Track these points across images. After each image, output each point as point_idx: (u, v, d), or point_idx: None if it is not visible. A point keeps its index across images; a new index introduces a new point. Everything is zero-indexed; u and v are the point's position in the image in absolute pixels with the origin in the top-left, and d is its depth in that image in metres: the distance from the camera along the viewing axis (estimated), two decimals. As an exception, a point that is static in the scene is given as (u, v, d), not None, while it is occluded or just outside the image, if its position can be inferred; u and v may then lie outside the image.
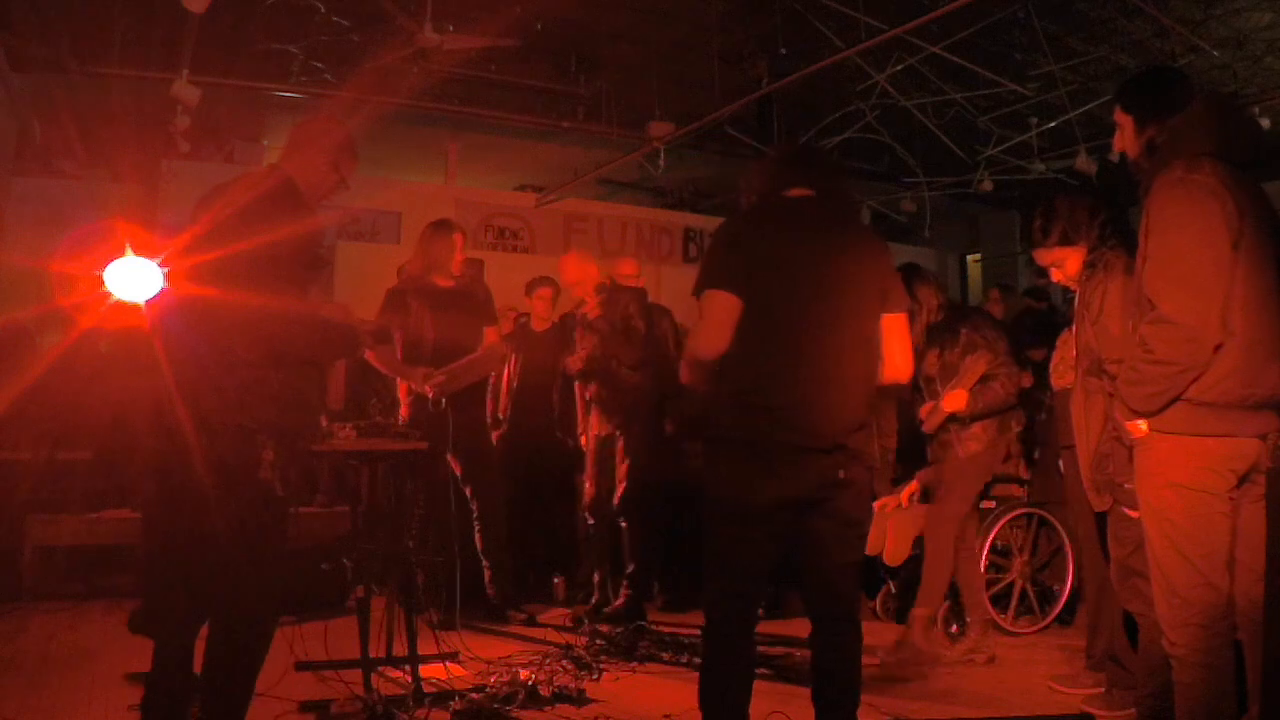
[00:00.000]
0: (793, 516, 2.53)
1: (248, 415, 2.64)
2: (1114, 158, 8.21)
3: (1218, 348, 2.32)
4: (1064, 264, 3.29)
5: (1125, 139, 2.68)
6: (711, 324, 2.51)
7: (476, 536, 4.78)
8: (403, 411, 4.69)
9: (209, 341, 2.67)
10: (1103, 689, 3.56)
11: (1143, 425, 2.46)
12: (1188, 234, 2.33)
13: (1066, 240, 3.24)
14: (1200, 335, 2.30)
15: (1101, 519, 3.30)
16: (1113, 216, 3.22)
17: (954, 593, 4.61)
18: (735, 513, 2.52)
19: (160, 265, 2.77)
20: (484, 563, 4.79)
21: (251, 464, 2.63)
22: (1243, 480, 2.38)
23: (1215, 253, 2.31)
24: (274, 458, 2.65)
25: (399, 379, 4.79)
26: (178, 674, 2.77)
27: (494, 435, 5.36)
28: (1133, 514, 2.97)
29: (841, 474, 2.50)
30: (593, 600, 5.01)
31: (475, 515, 4.78)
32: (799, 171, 2.69)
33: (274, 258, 2.62)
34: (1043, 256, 3.33)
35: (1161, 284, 2.35)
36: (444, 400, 4.46)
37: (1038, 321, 5.62)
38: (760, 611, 3.16)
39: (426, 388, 4.46)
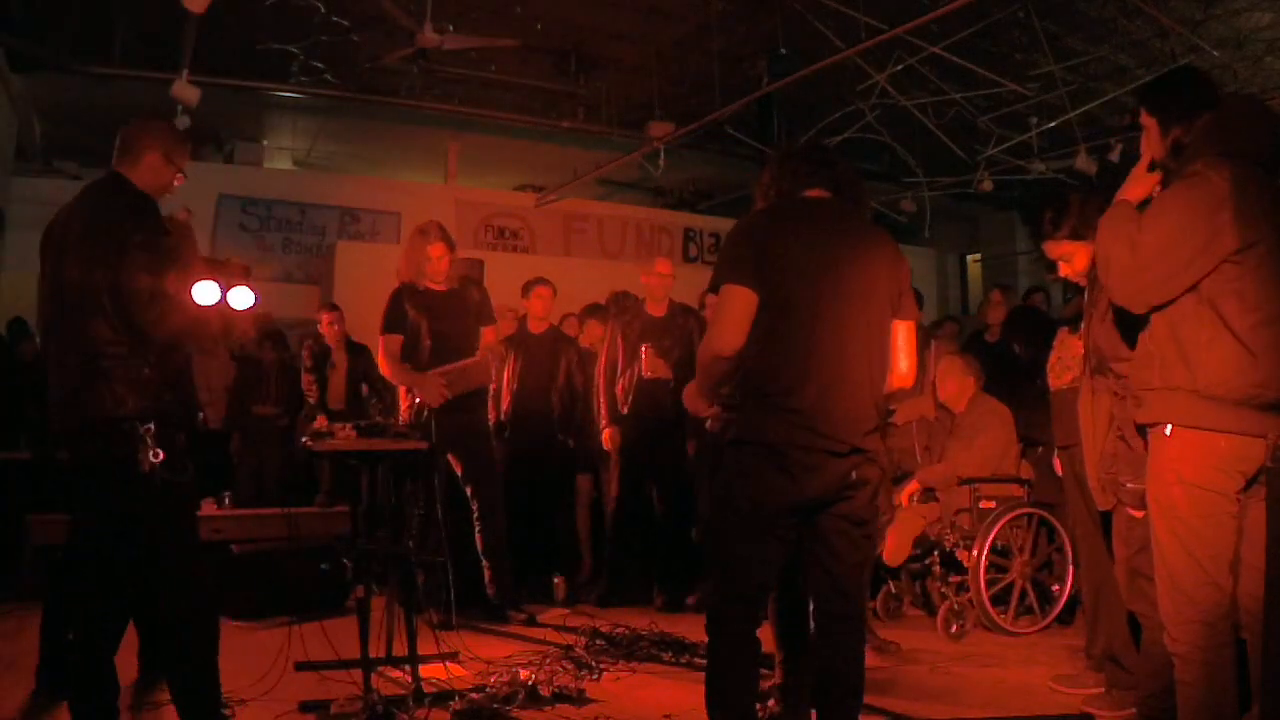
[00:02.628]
0: (804, 519, 2.54)
1: (119, 406, 2.68)
2: (1114, 157, 8.24)
3: (1156, 309, 2.42)
4: (1072, 259, 3.29)
5: (1151, 142, 2.68)
6: (729, 319, 2.51)
7: (476, 536, 4.78)
8: (402, 414, 4.70)
9: (75, 339, 2.73)
10: (1103, 689, 3.56)
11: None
12: (1173, 219, 2.38)
13: (1076, 235, 3.24)
14: (1140, 287, 2.41)
15: (1104, 519, 3.30)
16: None
17: (960, 589, 4.62)
18: (751, 516, 2.51)
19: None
20: (484, 563, 4.79)
21: (130, 457, 2.66)
22: (1251, 482, 2.39)
23: (1186, 246, 2.35)
24: (154, 444, 2.68)
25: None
26: (106, 682, 2.77)
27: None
28: (1137, 514, 2.97)
29: (854, 475, 2.50)
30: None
31: (475, 515, 4.78)
32: (817, 173, 2.68)
33: (124, 250, 2.69)
34: (1051, 249, 3.32)
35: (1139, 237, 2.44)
36: (426, 410, 4.46)
37: (1029, 319, 5.59)
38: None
39: (429, 393, 4.48)
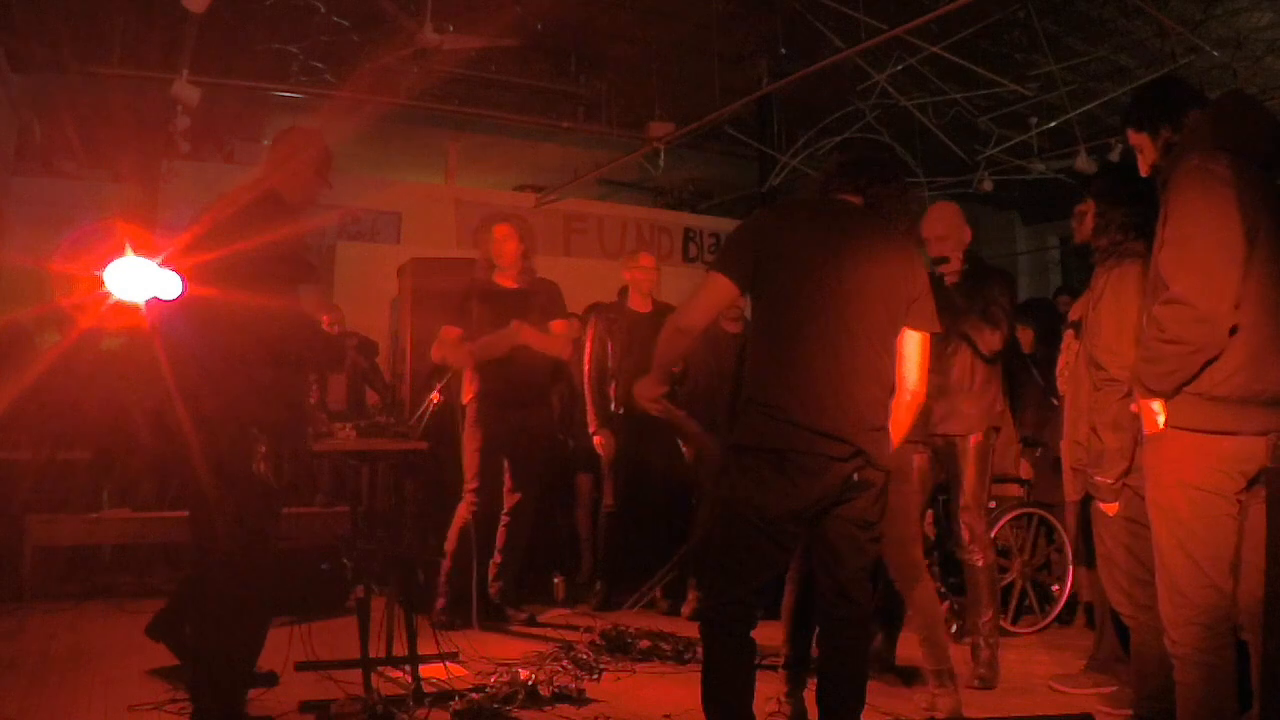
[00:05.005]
0: (806, 523, 2.54)
1: (244, 413, 2.73)
2: (1114, 157, 8.24)
3: (1233, 331, 2.32)
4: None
5: (1146, 156, 2.67)
6: (702, 301, 2.64)
7: (500, 530, 4.77)
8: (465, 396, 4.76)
9: (209, 342, 2.74)
10: (1103, 689, 3.56)
11: (1158, 408, 2.44)
12: (1202, 220, 2.35)
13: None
14: (1212, 316, 2.30)
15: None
16: (1149, 212, 3.13)
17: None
18: (749, 520, 2.52)
19: (163, 267, 2.82)
20: (495, 557, 4.77)
21: (246, 459, 2.73)
22: (1252, 483, 2.38)
23: (1229, 238, 2.32)
24: (267, 452, 2.75)
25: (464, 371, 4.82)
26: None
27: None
28: (1108, 509, 2.98)
29: (856, 476, 2.50)
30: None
31: (504, 510, 4.77)
32: (853, 178, 2.72)
33: (264, 265, 2.73)
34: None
35: (1175, 267, 2.36)
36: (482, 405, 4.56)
37: (1040, 309, 5.51)
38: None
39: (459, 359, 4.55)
